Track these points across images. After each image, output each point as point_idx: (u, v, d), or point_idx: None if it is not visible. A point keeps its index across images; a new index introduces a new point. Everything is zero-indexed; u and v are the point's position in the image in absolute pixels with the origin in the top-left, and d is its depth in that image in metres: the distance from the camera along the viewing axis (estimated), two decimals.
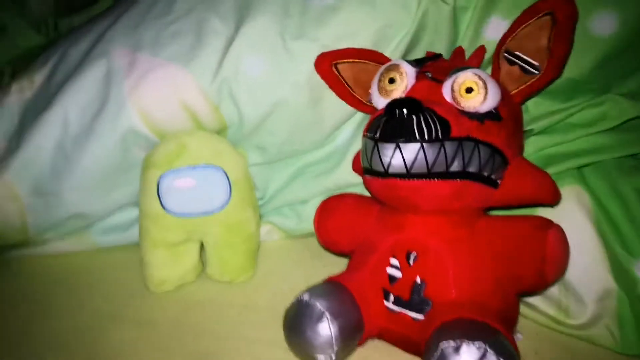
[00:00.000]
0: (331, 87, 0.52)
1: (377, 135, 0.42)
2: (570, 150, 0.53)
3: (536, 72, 0.47)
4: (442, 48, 0.53)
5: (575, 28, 0.45)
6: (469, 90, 0.43)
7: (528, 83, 0.47)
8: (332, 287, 0.44)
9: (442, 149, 0.41)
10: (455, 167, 0.41)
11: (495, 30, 0.51)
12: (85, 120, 0.53)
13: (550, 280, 0.41)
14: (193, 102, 0.52)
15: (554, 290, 0.49)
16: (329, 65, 0.50)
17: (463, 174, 0.42)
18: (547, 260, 0.40)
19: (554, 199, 0.45)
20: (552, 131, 0.54)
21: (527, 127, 0.53)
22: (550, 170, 0.51)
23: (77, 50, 0.57)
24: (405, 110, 0.40)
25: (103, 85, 0.53)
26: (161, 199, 0.51)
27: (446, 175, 0.41)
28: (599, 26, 0.50)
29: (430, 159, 0.41)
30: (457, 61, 0.51)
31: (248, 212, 0.55)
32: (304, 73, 0.52)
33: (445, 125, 0.41)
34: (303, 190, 0.59)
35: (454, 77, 0.44)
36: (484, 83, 0.43)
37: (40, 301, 0.54)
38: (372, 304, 0.45)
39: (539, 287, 0.43)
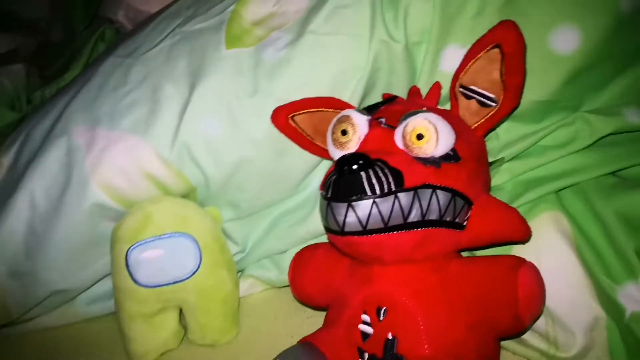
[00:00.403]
0: (291, 139, 0.51)
1: (329, 194, 0.41)
2: (547, 174, 0.52)
3: (494, 104, 0.46)
4: (401, 87, 0.53)
5: (524, 56, 0.44)
6: (420, 136, 0.42)
7: (487, 116, 0.46)
8: (305, 350, 0.44)
9: (397, 201, 0.40)
10: (414, 217, 0.41)
11: (452, 60, 0.50)
12: (51, 200, 0.54)
13: (527, 322, 0.40)
14: (155, 171, 0.52)
15: (541, 324, 0.48)
16: (285, 118, 0.50)
17: (423, 223, 0.41)
18: (521, 302, 0.39)
19: (523, 236, 0.44)
20: (527, 155, 0.53)
21: (498, 156, 0.52)
22: (528, 197, 0.51)
23: (40, 130, 0.58)
24: (354, 167, 0.40)
25: (65, 164, 0.54)
26: (131, 272, 0.51)
27: (405, 226, 0.41)
28: (561, 43, 0.49)
29: (385, 213, 0.40)
30: (413, 102, 0.50)
31: (222, 273, 0.55)
32: (263, 129, 0.51)
33: (397, 176, 0.40)
34: (280, 241, 0.59)
35: (404, 123, 0.43)
36: (435, 127, 0.42)
37: None
38: None
39: (515, 330, 0.42)
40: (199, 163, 0.52)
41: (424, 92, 0.51)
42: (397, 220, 0.40)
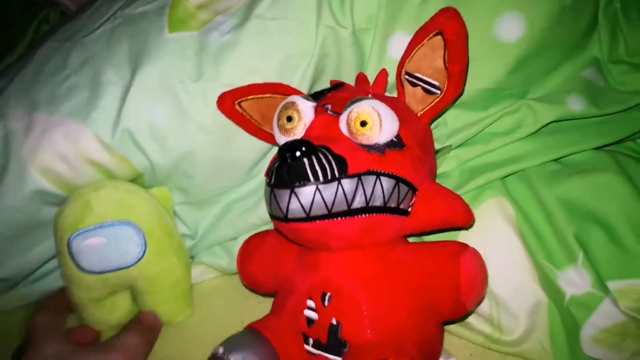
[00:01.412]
0: (238, 125, 0.51)
1: (272, 181, 0.42)
2: (493, 161, 0.53)
3: (438, 91, 0.47)
4: (349, 73, 0.53)
5: (466, 43, 0.45)
6: (363, 123, 0.43)
7: (432, 104, 0.48)
8: (249, 337, 0.44)
9: (340, 188, 0.40)
10: (358, 203, 0.41)
11: (399, 47, 0.50)
12: None
13: (469, 306, 0.42)
14: (97, 156, 0.51)
15: (486, 307, 0.49)
16: (231, 104, 0.50)
17: (368, 209, 0.42)
18: (462, 287, 0.41)
19: (466, 221, 0.45)
20: (473, 143, 0.54)
21: (445, 143, 0.53)
22: (475, 184, 0.52)
23: None
24: (297, 154, 0.40)
25: (2, 149, 0.53)
26: (74, 260, 0.51)
27: (349, 212, 0.41)
28: (506, 31, 0.50)
29: (329, 199, 0.40)
30: (360, 89, 0.50)
31: (170, 259, 0.55)
32: (209, 115, 0.51)
33: (341, 162, 0.41)
34: (231, 228, 0.58)
35: (347, 110, 0.44)
36: (378, 114, 0.43)
37: None
38: (292, 350, 0.44)
39: (458, 314, 0.44)
40: (144, 149, 0.52)
41: (371, 78, 0.52)
42: (341, 206, 0.41)
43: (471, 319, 0.50)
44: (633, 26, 0.54)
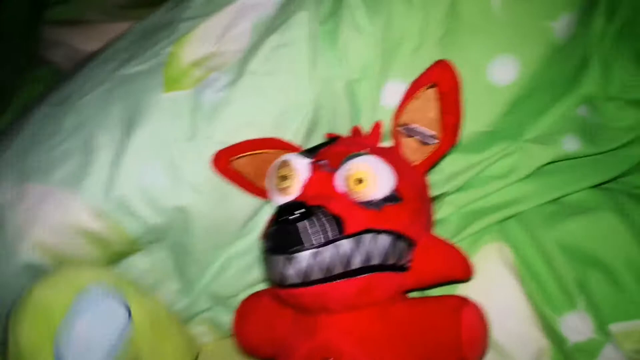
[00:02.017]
0: (233, 184, 0.51)
1: (267, 246, 0.42)
2: (490, 205, 0.53)
3: (434, 141, 0.47)
4: (344, 125, 0.54)
5: (460, 95, 0.46)
6: (359, 181, 0.43)
7: (428, 154, 0.48)
8: None
9: (338, 250, 0.40)
10: (357, 264, 0.41)
11: (393, 96, 0.51)
12: None
13: None
14: (89, 225, 0.51)
15: (489, 358, 0.49)
16: (225, 162, 0.50)
17: (366, 269, 0.42)
18: (465, 344, 0.41)
19: (465, 275, 0.46)
20: (469, 187, 0.55)
21: (442, 190, 0.53)
22: (472, 229, 0.52)
23: None
24: (291, 217, 0.40)
25: None
26: None
27: (348, 274, 0.41)
28: (499, 75, 0.51)
29: (326, 263, 0.40)
30: (356, 141, 0.50)
31: (147, 299, 0.50)
32: (203, 173, 0.51)
33: (337, 222, 0.41)
34: (229, 286, 0.58)
35: (343, 167, 0.44)
36: (374, 171, 0.43)
37: None
38: None
39: None
40: (138, 213, 0.51)
41: (366, 127, 0.52)
42: (339, 268, 0.40)
43: None
44: (625, 62, 0.54)
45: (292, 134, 0.52)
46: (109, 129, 0.52)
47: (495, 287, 0.49)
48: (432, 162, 0.48)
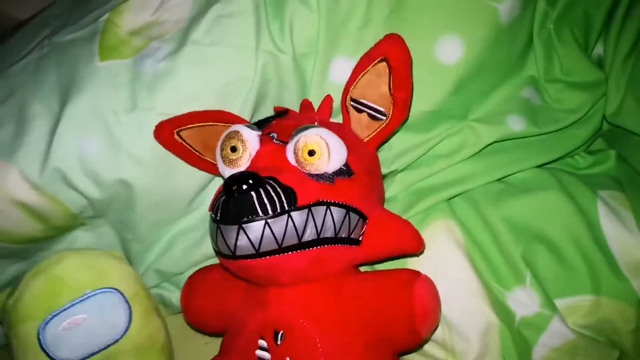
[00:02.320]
0: (178, 156, 0.49)
1: (218, 217, 0.40)
2: (437, 183, 0.54)
3: (384, 117, 0.47)
4: (292, 99, 0.53)
5: (411, 70, 0.45)
6: (311, 152, 0.42)
7: (378, 129, 0.48)
8: None
9: (290, 221, 0.40)
10: (309, 236, 0.41)
11: (341, 72, 0.50)
12: None
13: (424, 335, 0.42)
14: (25, 198, 0.48)
15: (439, 332, 0.49)
16: (169, 134, 0.48)
17: (319, 241, 0.41)
18: (417, 317, 0.41)
19: (417, 248, 0.46)
20: (417, 165, 0.55)
21: (390, 168, 0.53)
22: (421, 206, 0.52)
23: None
24: (244, 187, 0.39)
25: None
26: (49, 353, 0.45)
27: (300, 246, 0.40)
28: (446, 54, 0.51)
29: (279, 234, 0.39)
30: (306, 115, 0.49)
31: (155, 321, 0.51)
32: (144, 146, 0.49)
33: (290, 194, 0.40)
34: (174, 264, 0.56)
35: (294, 139, 0.43)
36: (326, 143, 0.42)
37: None
38: None
39: (413, 344, 0.44)
40: (76, 186, 0.49)
41: (315, 104, 0.51)
42: (291, 240, 0.40)
43: (426, 345, 0.50)
44: (566, 46, 0.56)
45: (238, 107, 0.50)
46: (44, 98, 0.50)
47: (443, 263, 0.49)
48: (383, 138, 0.48)
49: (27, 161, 0.48)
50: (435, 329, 0.46)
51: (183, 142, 0.49)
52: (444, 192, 0.52)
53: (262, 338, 0.43)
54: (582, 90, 0.54)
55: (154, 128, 0.48)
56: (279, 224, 0.39)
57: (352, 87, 0.47)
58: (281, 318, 0.43)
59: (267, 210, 0.39)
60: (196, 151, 0.49)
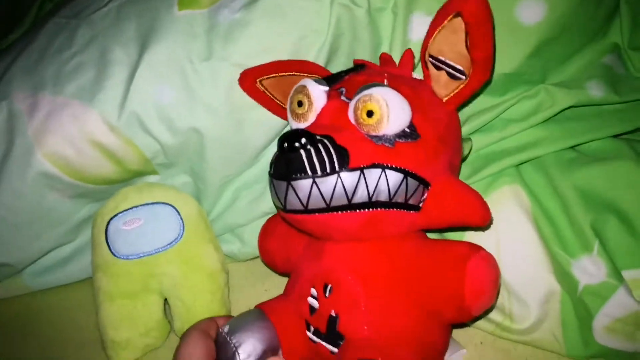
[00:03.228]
0: (260, 103, 0.51)
1: (271, 171, 0.42)
2: (508, 147, 0.53)
3: (463, 77, 0.44)
4: (365, 54, 0.53)
5: (491, 28, 0.43)
6: (370, 113, 0.41)
7: (457, 90, 0.45)
8: (255, 320, 0.45)
9: (340, 182, 0.39)
10: (360, 198, 0.40)
11: (420, 28, 0.50)
12: None
13: (475, 313, 0.40)
14: (103, 139, 0.51)
15: (499, 298, 0.49)
16: (252, 82, 0.49)
17: (370, 204, 0.41)
18: (467, 295, 0.39)
19: (483, 221, 0.43)
20: (489, 129, 0.54)
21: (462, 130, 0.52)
22: (489, 171, 0.52)
23: None
24: (295, 145, 0.39)
25: (5, 131, 0.52)
26: (109, 243, 0.52)
27: (350, 207, 0.40)
28: (527, 14, 0.50)
29: (327, 193, 0.39)
30: (382, 70, 0.48)
31: (208, 248, 0.55)
32: (218, 95, 0.50)
33: (342, 154, 0.40)
34: (240, 216, 0.58)
35: (356, 98, 0.42)
36: (386, 104, 0.41)
37: None
38: (295, 334, 0.45)
39: (462, 319, 0.43)
40: (151, 131, 0.51)
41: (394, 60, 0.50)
42: (340, 200, 0.40)
43: None
44: None
45: (311, 60, 0.50)
46: (124, 44, 0.52)
47: (508, 228, 0.49)
48: (462, 98, 0.45)
49: (106, 104, 0.50)
50: (489, 308, 0.43)
51: (265, 91, 0.50)
52: (514, 157, 0.51)
53: (313, 287, 0.44)
54: None
55: (228, 77, 0.49)
56: (326, 184, 0.39)
57: (430, 42, 0.45)
58: (331, 272, 0.44)
59: (316, 169, 0.39)
60: (278, 100, 0.50)
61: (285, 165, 0.40)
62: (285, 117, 0.51)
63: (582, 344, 0.47)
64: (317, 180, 0.39)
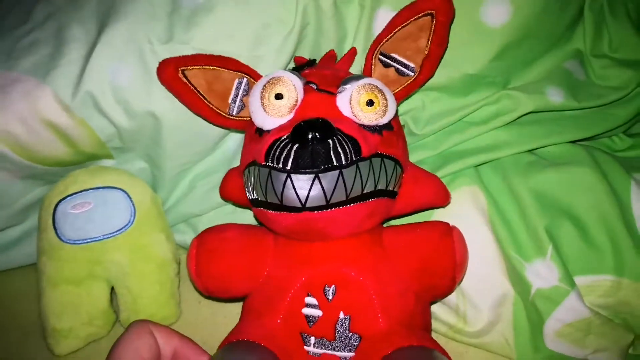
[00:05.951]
0: (179, 97, 0.47)
1: (289, 166, 0.39)
2: (467, 149, 0.54)
3: (412, 73, 0.47)
4: (328, 46, 0.52)
5: (450, 29, 0.45)
6: (370, 103, 0.42)
7: (404, 85, 0.48)
8: (247, 350, 0.40)
9: (358, 171, 0.39)
10: (369, 187, 0.41)
11: (383, 24, 0.49)
12: None
13: (459, 281, 0.45)
14: (55, 118, 0.49)
15: (453, 298, 0.50)
16: (174, 71, 0.46)
17: (375, 193, 0.41)
18: (457, 264, 0.43)
19: (445, 201, 0.48)
20: (449, 131, 0.55)
21: (424, 130, 0.53)
22: (447, 170, 0.52)
23: None
24: (319, 135, 0.39)
25: None
26: (57, 227, 0.50)
27: (361, 197, 0.40)
28: (492, 16, 0.50)
29: (349, 184, 0.39)
30: (327, 65, 0.50)
31: (159, 236, 0.53)
32: None
33: (356, 145, 0.40)
34: (196, 205, 0.57)
35: (349, 89, 0.43)
36: (383, 94, 0.43)
37: None
38: (296, 353, 0.42)
39: (450, 291, 0.46)
40: (106, 113, 0.50)
41: (362, 54, 0.51)
42: (356, 191, 0.40)
43: (437, 309, 0.51)
44: (618, 22, 0.55)
45: (273, 52, 0.49)
46: (83, 22, 0.51)
47: (465, 229, 0.49)
48: (407, 93, 0.48)
49: (60, 82, 0.49)
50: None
51: (187, 82, 0.46)
52: (473, 158, 0.52)
53: (309, 295, 0.42)
54: (629, 68, 0.53)
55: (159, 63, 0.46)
56: (349, 174, 0.39)
57: (386, 40, 0.46)
58: (332, 272, 0.42)
59: (341, 159, 0.39)
60: (200, 93, 0.47)
61: (312, 157, 0.38)
62: (205, 114, 0.48)
63: (533, 349, 0.48)
64: (343, 170, 0.39)
